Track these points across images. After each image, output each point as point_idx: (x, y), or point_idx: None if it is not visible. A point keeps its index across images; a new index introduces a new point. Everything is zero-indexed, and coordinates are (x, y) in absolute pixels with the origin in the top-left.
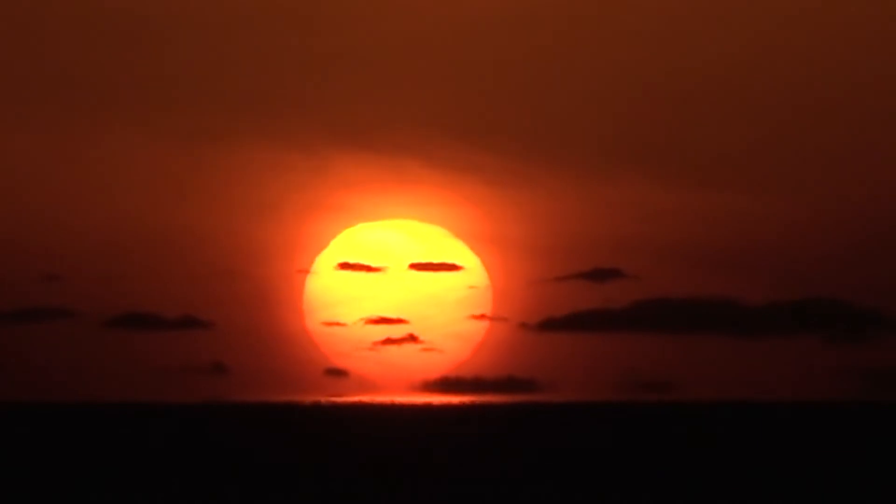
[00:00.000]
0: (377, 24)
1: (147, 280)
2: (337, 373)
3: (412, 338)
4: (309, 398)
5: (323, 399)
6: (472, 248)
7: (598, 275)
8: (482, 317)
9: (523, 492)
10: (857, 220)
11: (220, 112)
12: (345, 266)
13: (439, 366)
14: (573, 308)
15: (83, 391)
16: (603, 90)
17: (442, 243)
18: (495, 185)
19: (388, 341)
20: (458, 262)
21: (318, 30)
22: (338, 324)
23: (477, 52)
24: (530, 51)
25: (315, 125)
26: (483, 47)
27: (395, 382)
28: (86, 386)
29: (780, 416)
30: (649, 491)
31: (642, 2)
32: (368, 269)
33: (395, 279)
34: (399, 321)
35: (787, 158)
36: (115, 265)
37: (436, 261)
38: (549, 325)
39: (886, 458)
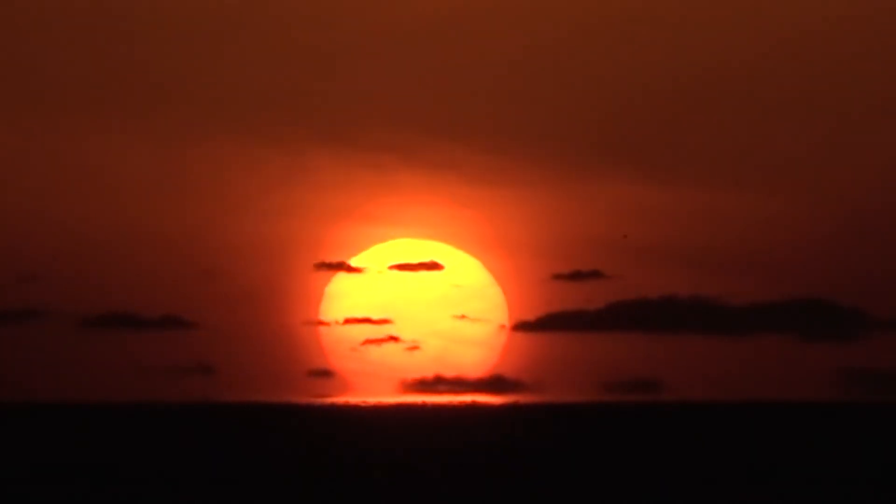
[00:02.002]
0: (359, 21)
1: (128, 280)
2: (320, 373)
3: (395, 338)
4: (293, 398)
5: (307, 400)
6: (455, 247)
7: (579, 275)
8: (464, 317)
9: (509, 491)
10: (841, 219)
11: (200, 112)
12: (327, 266)
13: (422, 365)
14: (556, 308)
15: (67, 391)
16: (584, 89)
17: (424, 242)
18: (478, 184)
19: (371, 341)
20: (440, 262)
21: (299, 28)
22: (321, 324)
23: (460, 49)
24: (513, 49)
25: (296, 124)
26: (466, 45)
27: (379, 382)
28: (69, 386)
29: (762, 415)
30: (636, 490)
31: None
32: (350, 268)
33: (378, 279)
34: (382, 321)
35: (769, 158)
36: (94, 265)
37: (417, 260)
38: (531, 325)
39: (870, 456)
